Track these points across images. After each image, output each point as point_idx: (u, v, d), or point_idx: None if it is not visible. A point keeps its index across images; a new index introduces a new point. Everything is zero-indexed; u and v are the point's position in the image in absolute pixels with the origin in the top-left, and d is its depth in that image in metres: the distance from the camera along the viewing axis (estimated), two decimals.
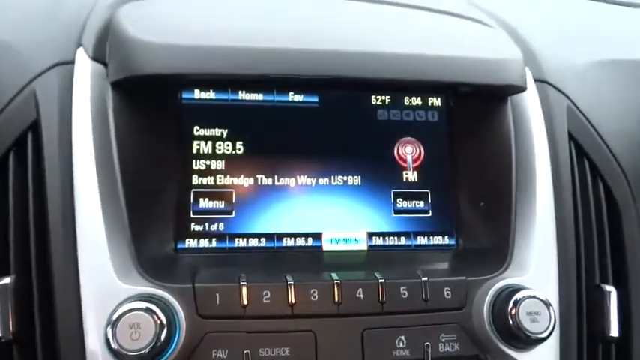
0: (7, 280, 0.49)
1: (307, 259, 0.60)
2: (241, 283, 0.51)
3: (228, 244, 0.60)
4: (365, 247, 0.63)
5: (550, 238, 0.57)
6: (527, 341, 0.51)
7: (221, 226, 0.61)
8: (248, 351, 0.49)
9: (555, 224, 0.59)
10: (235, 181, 0.61)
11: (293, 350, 0.50)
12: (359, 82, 0.58)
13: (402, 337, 0.52)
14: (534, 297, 0.51)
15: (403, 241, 0.64)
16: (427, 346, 0.52)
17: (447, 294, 0.54)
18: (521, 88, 0.60)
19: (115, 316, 0.45)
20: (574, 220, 0.61)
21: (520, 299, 0.51)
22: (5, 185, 0.52)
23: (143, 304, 0.46)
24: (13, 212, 0.51)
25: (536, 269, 0.56)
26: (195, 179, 0.61)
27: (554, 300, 0.55)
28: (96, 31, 0.58)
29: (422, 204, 0.65)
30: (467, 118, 0.65)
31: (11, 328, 0.48)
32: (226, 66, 0.52)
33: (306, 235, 0.62)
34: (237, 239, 0.61)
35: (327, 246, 0.63)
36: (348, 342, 0.51)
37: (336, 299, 0.52)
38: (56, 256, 0.49)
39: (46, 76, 0.55)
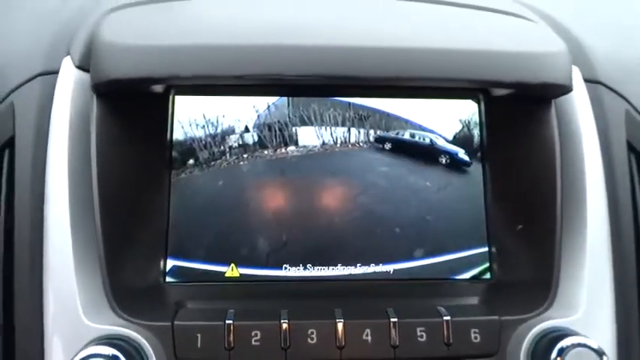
0: None
1: (310, 288, 0.52)
2: (227, 321, 0.44)
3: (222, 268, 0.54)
4: (389, 272, 0.55)
5: (605, 270, 0.48)
6: None
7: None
8: None
9: (612, 253, 0.49)
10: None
11: None
12: (357, 81, 0.50)
13: None
14: (584, 345, 0.41)
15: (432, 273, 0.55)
16: None
17: (475, 337, 0.45)
18: (566, 89, 0.51)
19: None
20: (635, 249, 0.50)
21: (566, 348, 0.42)
22: None
23: (107, 350, 0.40)
24: None
25: (587, 309, 0.46)
26: None
27: (609, 349, 0.45)
28: (84, 39, 0.54)
29: None
30: (502, 124, 0.56)
31: None
32: (201, 67, 0.46)
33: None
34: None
35: (341, 271, 0.55)
36: None
37: (339, 342, 0.44)
38: (20, 292, 0.44)
39: (26, 88, 0.51)
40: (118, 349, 0.40)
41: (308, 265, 0.54)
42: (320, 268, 0.54)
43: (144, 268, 0.52)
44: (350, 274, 0.54)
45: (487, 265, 0.56)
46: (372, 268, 0.55)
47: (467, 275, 0.56)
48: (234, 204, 0.55)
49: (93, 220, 0.47)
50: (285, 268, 0.54)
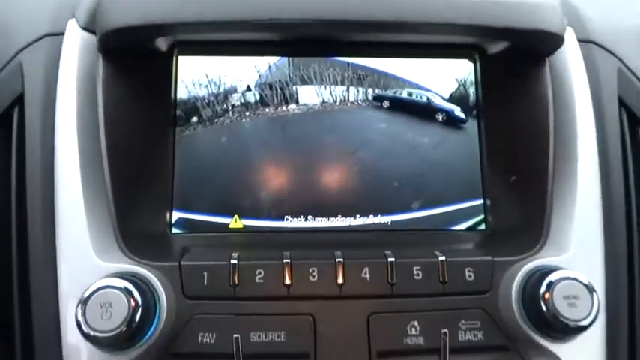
0: None
1: (311, 238, 0.55)
2: (232, 261, 0.46)
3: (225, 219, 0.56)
4: (387, 222, 0.58)
5: (594, 213, 0.50)
6: (565, 330, 0.43)
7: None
8: (238, 335, 0.45)
9: (601, 198, 0.51)
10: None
11: (289, 335, 0.46)
12: (369, 26, 0.51)
13: (415, 323, 0.46)
14: (572, 278, 0.44)
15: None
16: (445, 333, 0.46)
17: (469, 275, 0.48)
18: (558, 39, 0.53)
19: (85, 295, 0.42)
20: (624, 194, 0.53)
21: (555, 281, 0.44)
22: None
23: (119, 282, 0.43)
24: None
25: (576, 248, 0.48)
26: None
27: (599, 284, 0.47)
28: (88, 1, 0.56)
29: None
30: (497, 82, 0.59)
31: None
32: (203, 12, 0.48)
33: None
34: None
35: (340, 222, 0.57)
36: (352, 327, 0.46)
37: (339, 280, 0.46)
38: (33, 233, 0.47)
39: (33, 48, 0.53)
40: (130, 283, 0.43)
41: (309, 217, 0.57)
42: (320, 219, 0.57)
43: (151, 219, 0.54)
44: (349, 225, 0.57)
45: (482, 216, 0.58)
46: (370, 220, 0.57)
47: (462, 226, 0.58)
48: (237, 159, 0.57)
49: (102, 172, 0.49)
50: (287, 219, 0.57)
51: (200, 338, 0.45)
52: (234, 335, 0.45)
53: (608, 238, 0.50)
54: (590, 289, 0.44)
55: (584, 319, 0.43)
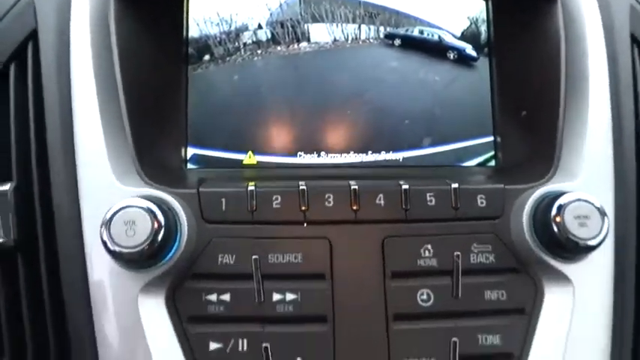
0: (8, 186, 0.48)
1: (324, 172, 0.56)
2: (249, 188, 0.47)
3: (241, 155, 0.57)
4: (399, 158, 0.58)
5: (605, 141, 0.51)
6: (575, 249, 0.45)
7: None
8: (257, 257, 0.46)
9: (612, 130, 0.52)
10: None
11: (306, 257, 0.47)
12: None
13: (429, 247, 0.48)
14: (582, 200, 0.45)
15: (439, 157, 0.58)
16: (457, 256, 0.47)
17: (481, 202, 0.49)
18: None
19: (110, 213, 0.43)
20: (635, 126, 0.53)
21: (566, 204, 0.45)
22: (6, 94, 0.51)
23: (142, 202, 0.44)
24: (14, 119, 0.50)
25: (587, 174, 0.49)
26: None
27: (608, 208, 0.48)
28: None
29: None
30: (509, 20, 0.59)
31: (12, 234, 0.47)
32: None
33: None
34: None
35: (352, 157, 0.58)
36: (367, 250, 0.47)
37: (354, 206, 0.47)
38: (54, 160, 0.48)
39: None
40: (153, 203, 0.44)
41: (321, 153, 0.58)
42: (333, 155, 0.58)
43: (167, 155, 0.55)
44: (361, 162, 0.58)
45: (492, 153, 0.59)
46: (382, 156, 0.58)
47: (473, 162, 0.59)
48: (249, 97, 0.58)
49: (118, 106, 0.50)
50: (300, 155, 0.58)
51: (220, 260, 0.47)
52: (253, 257, 0.47)
53: (618, 166, 0.51)
54: (600, 210, 0.45)
55: (594, 237, 0.44)
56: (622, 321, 0.48)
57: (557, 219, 0.45)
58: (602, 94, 0.54)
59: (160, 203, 0.45)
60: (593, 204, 0.45)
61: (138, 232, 0.43)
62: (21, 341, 0.49)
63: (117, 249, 0.42)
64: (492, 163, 0.59)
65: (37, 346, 0.49)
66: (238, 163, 0.58)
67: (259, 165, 0.58)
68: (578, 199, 0.45)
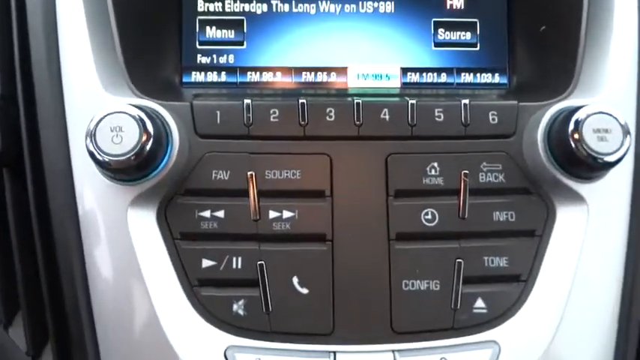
0: None
1: (325, 88, 0.53)
2: (245, 100, 0.44)
3: (239, 79, 0.55)
4: (398, 85, 0.55)
5: (630, 53, 0.47)
6: (593, 167, 0.42)
7: (231, 59, 0.55)
8: (252, 173, 0.44)
9: (637, 50, 0.48)
10: (247, 6, 0.54)
11: (304, 174, 0.45)
12: None
13: (435, 165, 0.45)
14: (604, 112, 0.42)
15: (444, 78, 0.55)
16: (465, 175, 0.44)
17: (493, 119, 0.46)
18: None
19: (95, 120, 0.40)
20: None
21: (584, 117, 0.42)
22: None
23: (130, 109, 0.41)
24: None
25: (609, 89, 0.46)
26: (201, 4, 0.55)
27: (631, 127, 0.45)
28: None
29: (468, 35, 0.56)
30: None
31: None
32: None
33: (328, 70, 0.55)
34: (249, 73, 0.55)
35: (352, 82, 0.55)
36: (370, 167, 0.45)
37: (356, 120, 0.45)
38: (38, 69, 0.45)
39: None
40: (141, 111, 0.41)
41: (319, 73, 0.55)
42: (333, 74, 0.55)
43: (160, 72, 0.52)
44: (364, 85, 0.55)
45: (508, 70, 0.55)
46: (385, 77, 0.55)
47: (486, 81, 0.56)
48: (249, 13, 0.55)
49: (106, 10, 0.47)
50: (302, 75, 0.55)
51: (214, 175, 0.44)
52: (249, 172, 0.44)
53: None
54: (621, 123, 0.42)
55: (614, 153, 0.41)
56: (637, 248, 0.46)
57: (575, 135, 0.42)
58: (627, 7, 0.50)
59: (149, 112, 0.42)
60: (614, 116, 0.42)
61: (125, 140, 0.40)
62: (9, 260, 0.47)
63: (104, 158, 0.40)
64: (506, 81, 0.56)
65: (25, 265, 0.47)
66: (234, 84, 0.55)
67: (258, 83, 0.55)
68: (599, 112, 0.42)
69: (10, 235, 0.47)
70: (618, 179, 0.45)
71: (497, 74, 0.56)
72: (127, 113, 0.41)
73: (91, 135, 0.40)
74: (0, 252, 0.48)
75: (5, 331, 0.48)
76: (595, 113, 0.42)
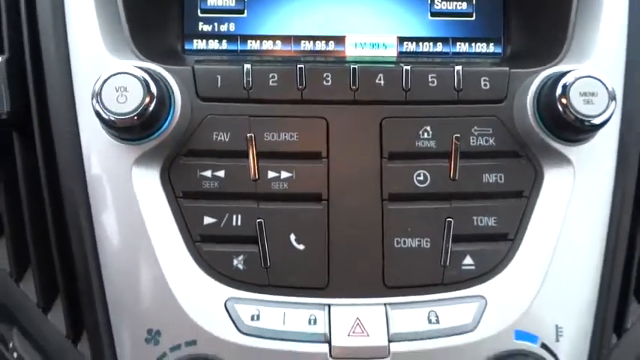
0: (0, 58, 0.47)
1: (323, 56, 0.54)
2: (245, 65, 0.46)
3: (239, 47, 0.56)
4: (394, 54, 0.57)
5: (620, 21, 0.48)
6: (579, 128, 0.44)
7: (232, 27, 0.56)
8: (252, 135, 0.46)
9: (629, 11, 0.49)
10: None
11: (302, 136, 0.46)
12: None
13: (427, 128, 0.47)
14: (590, 76, 0.43)
15: (440, 47, 0.57)
16: (457, 138, 0.46)
17: (485, 84, 0.47)
18: None
19: (101, 81, 0.42)
20: None
21: (572, 81, 0.43)
22: None
23: (134, 71, 0.43)
24: None
25: (598, 55, 0.48)
26: None
27: (617, 91, 0.47)
28: None
29: (464, 5, 0.57)
30: None
31: (5, 107, 0.47)
32: None
33: (327, 39, 0.56)
34: (249, 41, 0.56)
35: (350, 51, 0.57)
36: (365, 130, 0.47)
37: (352, 85, 0.46)
38: (45, 31, 0.47)
39: None
40: (145, 73, 0.43)
41: (317, 42, 0.56)
42: (331, 42, 0.56)
43: (163, 40, 0.54)
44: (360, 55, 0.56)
45: (501, 40, 0.57)
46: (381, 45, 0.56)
47: (480, 50, 0.57)
48: None
49: None
50: (300, 44, 0.56)
51: (214, 137, 0.46)
52: (248, 134, 0.46)
53: (631, 49, 0.49)
54: (607, 87, 0.43)
55: (599, 115, 0.43)
56: (621, 210, 0.48)
57: (563, 99, 0.44)
58: None
59: (153, 74, 0.44)
60: (600, 80, 0.43)
61: (130, 99, 0.42)
62: (19, 218, 0.49)
63: (109, 117, 0.42)
64: (500, 49, 0.57)
65: (34, 222, 0.49)
66: (235, 52, 0.56)
67: (258, 51, 0.56)
68: (586, 76, 0.43)
69: (20, 194, 0.49)
70: (604, 143, 0.47)
71: (491, 44, 0.57)
72: (131, 74, 0.43)
73: (97, 94, 0.42)
74: (10, 210, 0.50)
75: (16, 284, 0.50)
76: (582, 77, 0.44)
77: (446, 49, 0.57)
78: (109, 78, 0.42)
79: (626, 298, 0.50)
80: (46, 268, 0.49)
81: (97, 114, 0.42)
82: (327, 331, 0.44)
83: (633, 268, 0.49)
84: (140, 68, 0.44)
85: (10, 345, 0.49)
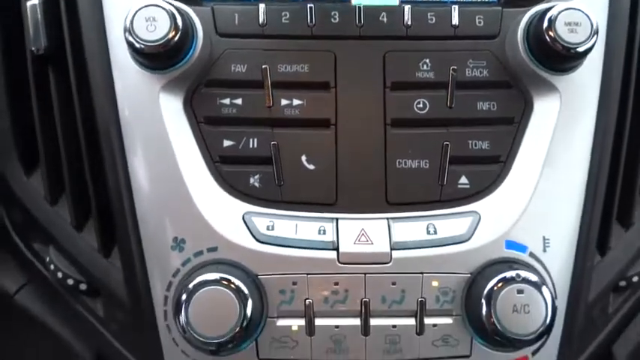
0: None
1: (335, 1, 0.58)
2: (260, 5, 0.51)
3: None
4: (396, 3, 0.61)
5: None
6: (565, 56, 0.48)
7: None
8: (267, 66, 0.50)
9: None
10: None
11: (312, 67, 0.51)
12: None
13: (427, 61, 0.51)
14: (573, 8, 0.48)
15: None
16: (453, 69, 0.51)
17: (479, 22, 0.52)
18: None
19: (132, 12, 0.47)
20: None
21: (556, 14, 0.48)
22: None
23: (162, 3, 0.47)
24: None
25: None
26: None
27: (602, 24, 0.51)
28: None
29: None
30: None
31: (43, 43, 0.51)
32: None
33: None
34: None
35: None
36: (369, 62, 0.52)
37: (358, 22, 0.51)
38: None
39: None
40: (174, 7, 0.48)
41: None
42: None
43: None
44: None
45: None
46: None
47: None
48: None
49: None
50: None
51: (233, 68, 0.51)
52: (263, 66, 0.51)
53: None
54: (589, 17, 0.47)
55: (583, 43, 0.47)
56: (605, 132, 0.52)
57: (549, 31, 0.48)
58: None
59: (179, 8, 0.48)
60: (583, 11, 0.48)
61: (158, 28, 0.47)
62: (55, 150, 0.54)
63: (139, 44, 0.47)
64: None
65: (69, 153, 0.54)
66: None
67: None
68: (570, 8, 0.48)
69: (55, 122, 0.54)
70: (589, 72, 0.51)
71: None
72: (160, 7, 0.47)
73: (130, 23, 0.47)
74: (46, 140, 0.55)
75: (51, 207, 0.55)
76: (566, 9, 0.48)
77: None
78: (140, 9, 0.47)
79: (609, 220, 0.54)
80: (79, 191, 0.54)
81: (128, 42, 0.47)
82: (335, 239, 0.49)
83: (617, 189, 0.54)
84: (168, 2, 0.48)
85: (47, 259, 0.54)
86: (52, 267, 0.54)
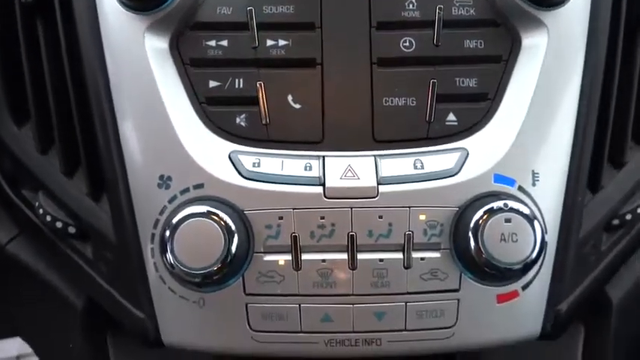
0: None
1: None
2: None
3: None
4: None
5: None
6: None
7: None
8: (252, 8, 0.51)
9: None
10: None
11: (297, 8, 0.52)
12: None
13: (413, 0, 0.51)
14: None
15: None
16: (440, 8, 0.50)
17: None
18: None
19: None
20: None
21: None
22: None
23: None
24: None
25: None
26: None
27: None
28: None
29: None
30: None
31: None
32: None
33: None
34: None
35: None
36: (355, 2, 0.52)
37: None
38: None
39: None
40: None
41: None
42: None
43: None
44: None
45: None
46: None
47: None
48: None
49: None
50: None
51: (218, 10, 0.51)
52: (248, 8, 0.51)
53: None
54: None
55: None
56: (594, 68, 0.51)
57: None
58: None
59: None
60: None
61: None
62: (45, 99, 0.55)
63: None
64: None
65: (59, 101, 0.54)
66: None
67: None
68: None
69: (44, 71, 0.54)
70: (577, 6, 0.51)
71: None
72: None
73: None
74: (35, 88, 0.55)
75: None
76: None
77: None
78: None
79: (601, 158, 0.54)
80: (69, 138, 0.54)
81: None
82: (321, 175, 0.49)
83: (608, 127, 0.53)
84: None
85: (37, 204, 0.54)
86: (40, 211, 0.54)
